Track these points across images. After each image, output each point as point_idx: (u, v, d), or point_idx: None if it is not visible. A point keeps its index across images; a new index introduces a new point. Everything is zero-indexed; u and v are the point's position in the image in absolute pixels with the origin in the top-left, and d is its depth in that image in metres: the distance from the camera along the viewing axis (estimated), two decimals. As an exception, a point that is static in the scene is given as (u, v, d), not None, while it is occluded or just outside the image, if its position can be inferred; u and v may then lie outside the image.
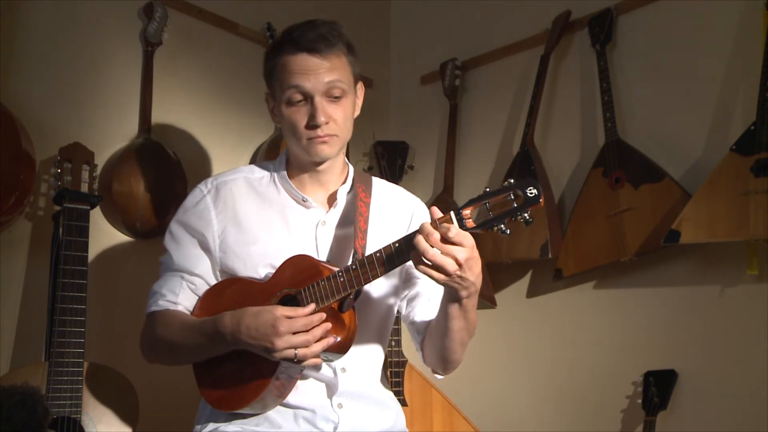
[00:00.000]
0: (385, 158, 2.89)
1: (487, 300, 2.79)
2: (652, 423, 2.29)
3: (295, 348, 1.38)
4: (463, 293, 1.43)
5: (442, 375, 1.71)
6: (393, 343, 2.46)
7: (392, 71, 3.37)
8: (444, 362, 1.64)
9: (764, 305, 2.23)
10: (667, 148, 2.49)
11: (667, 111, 2.54)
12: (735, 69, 2.39)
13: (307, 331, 1.39)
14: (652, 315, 2.48)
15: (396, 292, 1.68)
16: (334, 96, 1.55)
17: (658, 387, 2.33)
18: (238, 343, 1.44)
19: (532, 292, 2.83)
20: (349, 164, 1.71)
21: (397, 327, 2.50)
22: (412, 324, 1.72)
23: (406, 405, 2.44)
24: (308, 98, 1.54)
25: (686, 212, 2.23)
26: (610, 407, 2.53)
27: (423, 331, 1.68)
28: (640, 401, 2.37)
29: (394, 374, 2.45)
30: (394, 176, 2.87)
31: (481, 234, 1.37)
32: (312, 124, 1.53)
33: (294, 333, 1.38)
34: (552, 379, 2.71)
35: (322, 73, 1.53)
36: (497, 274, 2.85)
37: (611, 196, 2.48)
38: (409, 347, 2.04)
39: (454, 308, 1.49)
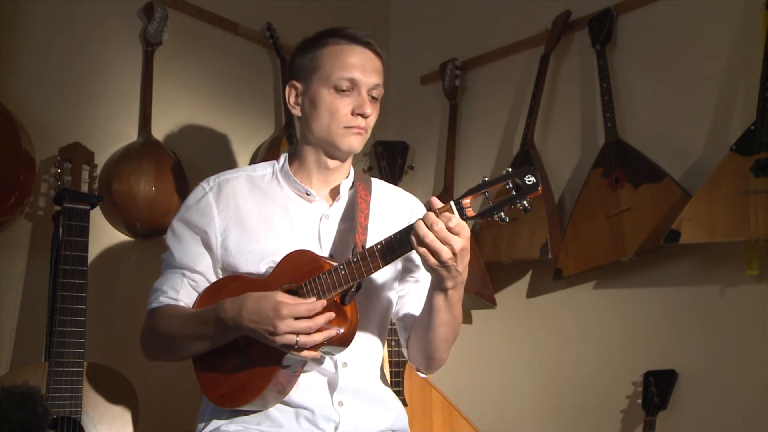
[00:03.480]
0: (385, 158, 2.89)
1: (487, 300, 2.79)
2: (652, 423, 2.29)
3: (297, 334, 1.38)
4: (449, 283, 1.44)
5: (424, 374, 1.71)
6: (393, 343, 2.46)
7: (392, 71, 3.37)
8: (427, 359, 1.64)
9: (764, 305, 2.23)
10: (667, 148, 2.49)
11: (667, 111, 2.54)
12: (735, 69, 2.39)
13: (310, 317, 1.40)
14: (652, 315, 2.48)
15: (395, 286, 1.69)
16: (373, 96, 1.61)
17: (658, 387, 2.33)
18: (239, 328, 1.44)
19: (532, 292, 2.83)
20: (351, 165, 1.72)
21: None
22: (401, 320, 1.72)
23: (406, 405, 2.44)
24: (355, 89, 1.58)
25: (686, 212, 2.23)
26: (610, 407, 2.53)
27: (410, 327, 1.69)
28: (640, 401, 2.37)
29: (394, 374, 2.44)
30: (394, 176, 2.87)
31: (483, 223, 1.37)
32: (359, 113, 1.57)
33: (296, 318, 1.39)
34: (552, 379, 2.71)
35: (374, 71, 1.60)
36: (497, 274, 2.84)
37: (611, 196, 2.48)
38: (409, 347, 2.03)
39: (439, 299, 1.49)
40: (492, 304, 2.82)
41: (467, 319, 2.96)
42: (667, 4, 2.57)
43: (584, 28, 2.74)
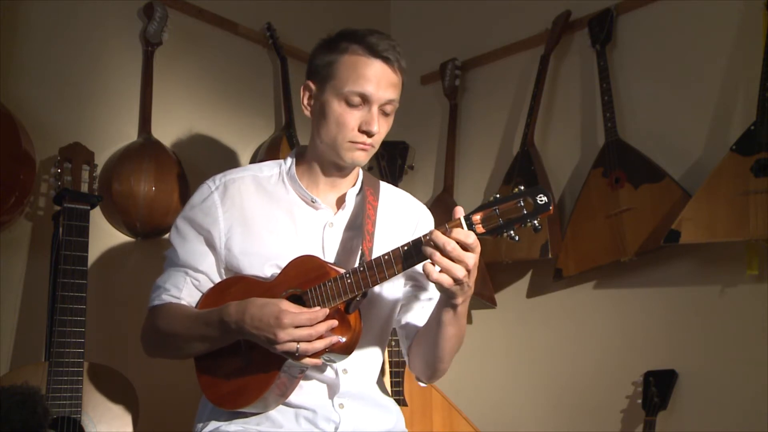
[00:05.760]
0: (385, 158, 2.89)
1: (487, 300, 2.79)
2: (652, 423, 2.29)
3: (298, 342, 1.38)
4: (460, 300, 1.43)
5: (425, 383, 1.71)
6: (393, 343, 2.46)
7: (392, 71, 3.37)
8: (431, 370, 1.64)
9: (764, 305, 2.23)
10: (667, 148, 2.49)
11: (667, 111, 2.54)
12: (735, 69, 2.39)
13: (311, 326, 1.39)
14: (652, 315, 2.48)
15: (398, 295, 1.68)
16: (385, 112, 1.59)
17: (658, 387, 2.33)
18: (241, 332, 1.44)
19: (532, 292, 2.83)
20: (360, 168, 1.71)
21: (397, 327, 2.50)
22: (403, 328, 1.71)
23: (406, 405, 2.44)
24: (366, 104, 1.56)
25: (686, 212, 2.23)
26: (610, 407, 2.53)
27: (412, 336, 1.68)
28: (640, 401, 2.37)
29: (394, 374, 2.44)
30: (394, 176, 2.87)
31: (486, 238, 1.37)
32: (365, 130, 1.55)
33: (297, 327, 1.38)
34: (552, 379, 2.71)
35: (389, 87, 1.58)
36: (497, 274, 2.84)
37: (611, 196, 2.48)
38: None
39: (448, 315, 1.49)
40: (492, 304, 2.83)
41: (467, 319, 2.95)
42: (667, 4, 2.58)
43: (584, 28, 2.74)
